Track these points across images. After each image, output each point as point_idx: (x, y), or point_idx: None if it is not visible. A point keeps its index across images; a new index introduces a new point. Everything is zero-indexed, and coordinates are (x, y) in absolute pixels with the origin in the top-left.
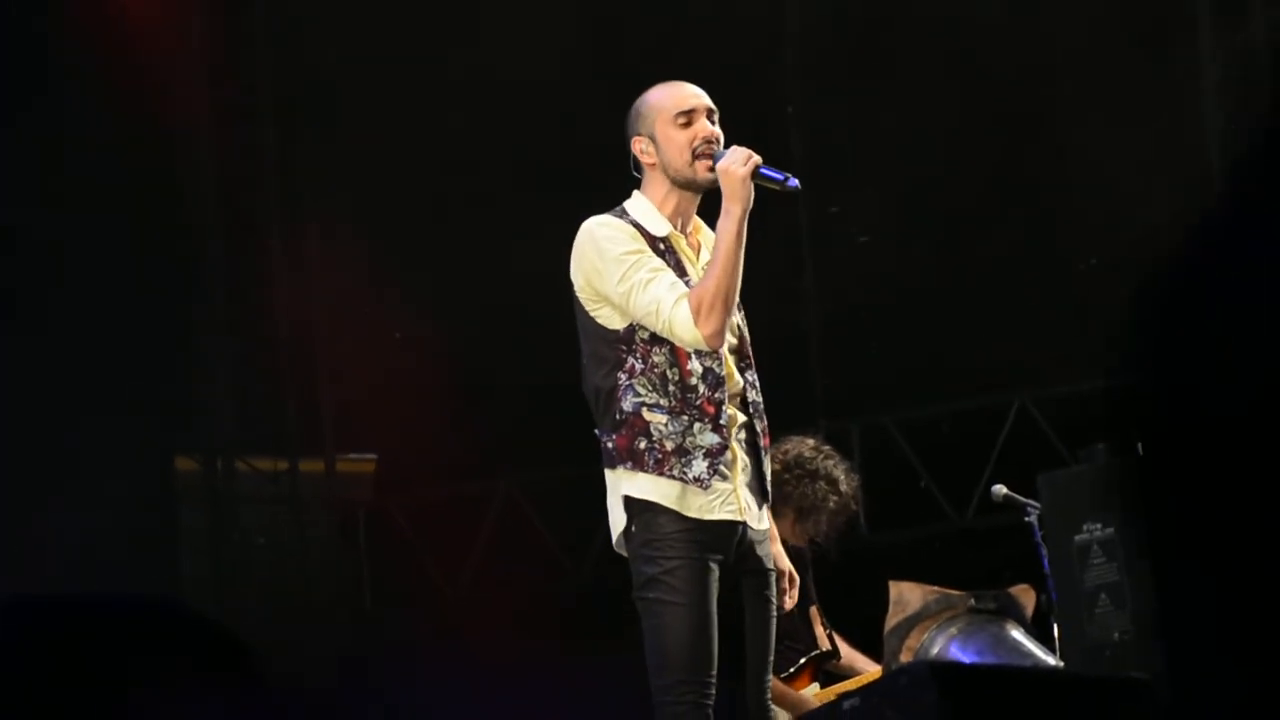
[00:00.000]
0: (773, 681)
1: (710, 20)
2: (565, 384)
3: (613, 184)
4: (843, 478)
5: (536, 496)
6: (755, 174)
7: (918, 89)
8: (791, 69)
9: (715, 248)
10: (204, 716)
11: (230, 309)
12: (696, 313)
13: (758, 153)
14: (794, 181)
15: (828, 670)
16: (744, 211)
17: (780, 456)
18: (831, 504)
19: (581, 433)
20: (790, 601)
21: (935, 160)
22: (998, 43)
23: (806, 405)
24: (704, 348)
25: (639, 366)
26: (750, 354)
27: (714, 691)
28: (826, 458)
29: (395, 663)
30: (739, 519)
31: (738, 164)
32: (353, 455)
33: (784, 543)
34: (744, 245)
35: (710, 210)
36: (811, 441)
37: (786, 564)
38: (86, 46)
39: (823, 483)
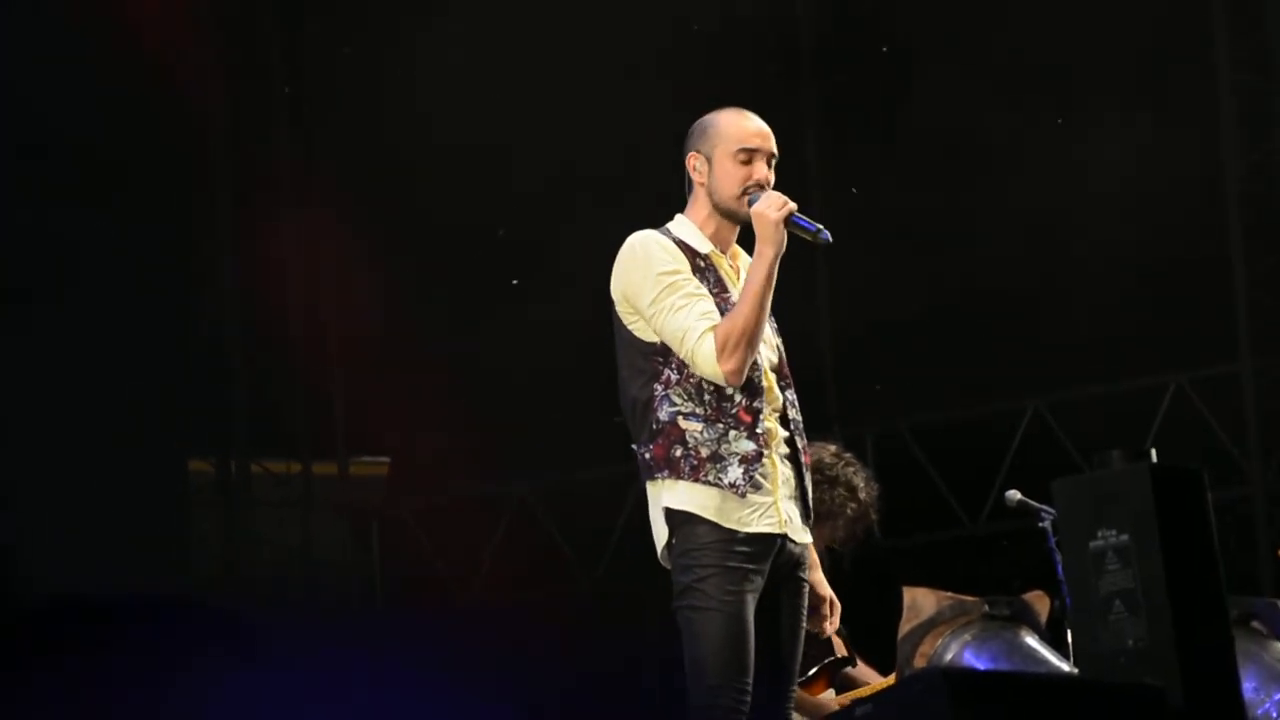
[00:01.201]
0: None
1: (723, 34)
2: (579, 389)
3: (628, 194)
4: (862, 485)
5: (549, 501)
6: (788, 221)
7: (930, 102)
8: (806, 83)
9: (745, 287)
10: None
11: (244, 313)
12: (721, 349)
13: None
14: (826, 235)
15: (841, 678)
16: (775, 255)
17: None
18: (850, 511)
19: (595, 438)
20: (831, 627)
21: (945, 170)
22: (1012, 51)
23: (821, 412)
24: (722, 383)
25: (674, 377)
26: (789, 373)
27: (750, 699)
28: (847, 465)
29: (407, 665)
30: (779, 531)
31: (772, 209)
32: (365, 458)
33: None
34: (773, 287)
35: (747, 243)
36: (832, 448)
37: (828, 591)
38: (96, 40)
39: (842, 489)
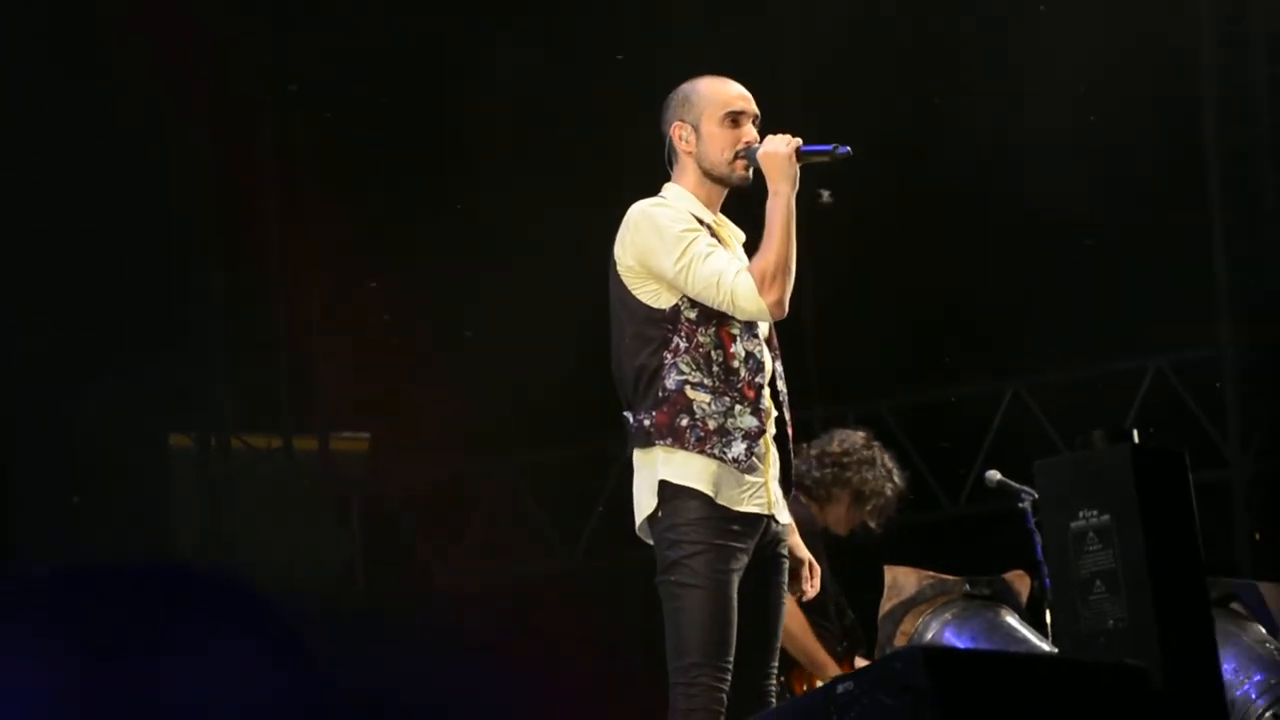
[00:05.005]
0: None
1: (710, 6)
2: (562, 366)
3: (629, 179)
4: (895, 467)
5: (531, 478)
6: (799, 153)
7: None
8: (794, 55)
9: (769, 224)
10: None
11: (226, 287)
12: (760, 282)
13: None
14: (844, 149)
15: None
16: (792, 189)
17: (836, 445)
18: (888, 491)
19: (576, 415)
20: (812, 590)
21: (930, 147)
22: (990, 32)
23: (802, 391)
24: (767, 319)
25: (683, 345)
26: (777, 344)
27: (730, 677)
28: (880, 450)
29: (388, 642)
30: (767, 513)
31: (782, 145)
32: (347, 434)
33: (813, 532)
34: (794, 222)
35: (733, 210)
36: (862, 434)
37: (806, 554)
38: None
39: (881, 470)
